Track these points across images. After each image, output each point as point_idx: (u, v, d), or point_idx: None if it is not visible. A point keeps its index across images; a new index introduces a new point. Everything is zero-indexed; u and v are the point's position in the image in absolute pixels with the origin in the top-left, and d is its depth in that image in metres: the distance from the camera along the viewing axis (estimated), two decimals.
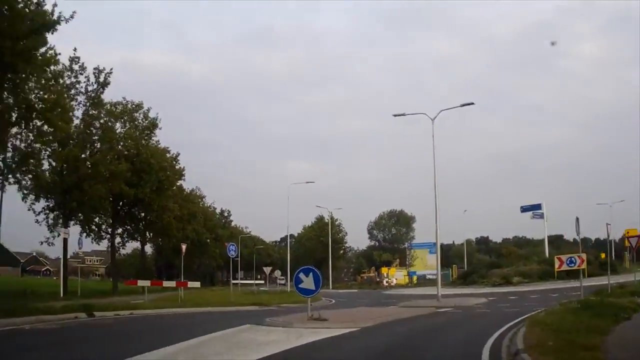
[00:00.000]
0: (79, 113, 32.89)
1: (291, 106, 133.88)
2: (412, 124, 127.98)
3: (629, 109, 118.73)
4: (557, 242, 72.42)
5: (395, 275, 69.31)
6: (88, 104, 33.18)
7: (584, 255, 34.04)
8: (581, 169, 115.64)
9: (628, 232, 36.29)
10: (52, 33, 21.62)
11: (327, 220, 73.45)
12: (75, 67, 31.82)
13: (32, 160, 27.60)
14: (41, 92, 25.64)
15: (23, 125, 25.39)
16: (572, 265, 33.82)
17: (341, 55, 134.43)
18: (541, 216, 43.67)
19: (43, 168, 30.96)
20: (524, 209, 46.23)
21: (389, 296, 40.91)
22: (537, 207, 44.65)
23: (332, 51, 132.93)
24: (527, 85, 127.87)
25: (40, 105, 24.82)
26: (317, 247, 74.97)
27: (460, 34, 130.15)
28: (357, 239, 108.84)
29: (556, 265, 33.83)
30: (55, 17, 21.34)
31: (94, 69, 32.67)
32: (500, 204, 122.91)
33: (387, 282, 65.21)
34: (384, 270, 70.06)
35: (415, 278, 71.27)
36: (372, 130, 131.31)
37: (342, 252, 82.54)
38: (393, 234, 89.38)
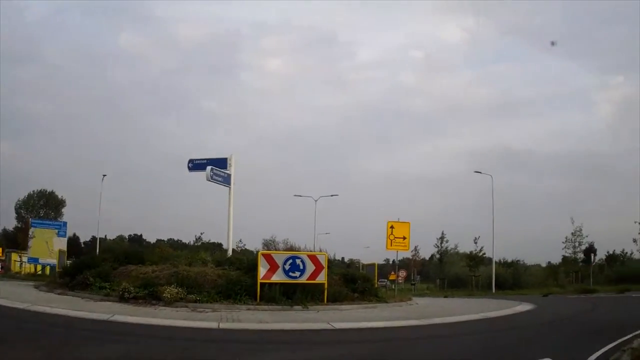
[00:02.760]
0: None
1: None
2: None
3: (307, 130, 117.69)
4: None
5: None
6: None
7: (322, 257, 16.30)
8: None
9: (392, 226, 20.74)
10: None
11: None
12: None
13: None
14: None
15: None
16: (298, 275, 15.61)
17: (37, 35, 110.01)
18: (226, 180, 21.13)
19: None
20: (195, 165, 21.52)
21: None
22: (222, 162, 21.11)
23: (28, 30, 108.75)
24: (209, 91, 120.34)
25: None
26: None
27: (146, 31, 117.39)
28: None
29: (261, 273, 14.97)
30: None
31: None
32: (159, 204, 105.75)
33: None
34: None
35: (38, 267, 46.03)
36: (61, 114, 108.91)
37: None
38: (41, 216, 77.41)
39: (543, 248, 76.60)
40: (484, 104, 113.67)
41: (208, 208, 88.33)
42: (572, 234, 45.41)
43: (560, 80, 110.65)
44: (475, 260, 48.38)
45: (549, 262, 54.02)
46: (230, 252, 21.95)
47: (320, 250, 20.02)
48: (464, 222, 76.09)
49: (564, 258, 48.14)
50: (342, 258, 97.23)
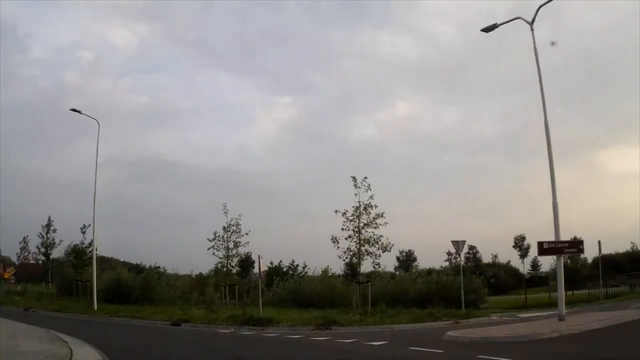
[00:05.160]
0: None
1: None
2: None
3: None
4: None
5: None
6: None
7: None
8: None
9: None
10: None
11: None
12: None
13: None
14: None
15: None
16: None
17: None
18: None
19: None
20: None
21: None
22: None
23: None
24: None
25: None
26: None
27: None
28: None
29: None
30: None
31: None
32: None
33: None
34: None
35: None
36: None
37: None
38: None
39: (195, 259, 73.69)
40: (141, 111, 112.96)
41: None
42: (225, 228, 30.38)
43: (224, 95, 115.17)
44: (82, 258, 33.70)
45: (202, 272, 42.57)
46: None
47: None
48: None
49: (216, 270, 34.10)
50: None
